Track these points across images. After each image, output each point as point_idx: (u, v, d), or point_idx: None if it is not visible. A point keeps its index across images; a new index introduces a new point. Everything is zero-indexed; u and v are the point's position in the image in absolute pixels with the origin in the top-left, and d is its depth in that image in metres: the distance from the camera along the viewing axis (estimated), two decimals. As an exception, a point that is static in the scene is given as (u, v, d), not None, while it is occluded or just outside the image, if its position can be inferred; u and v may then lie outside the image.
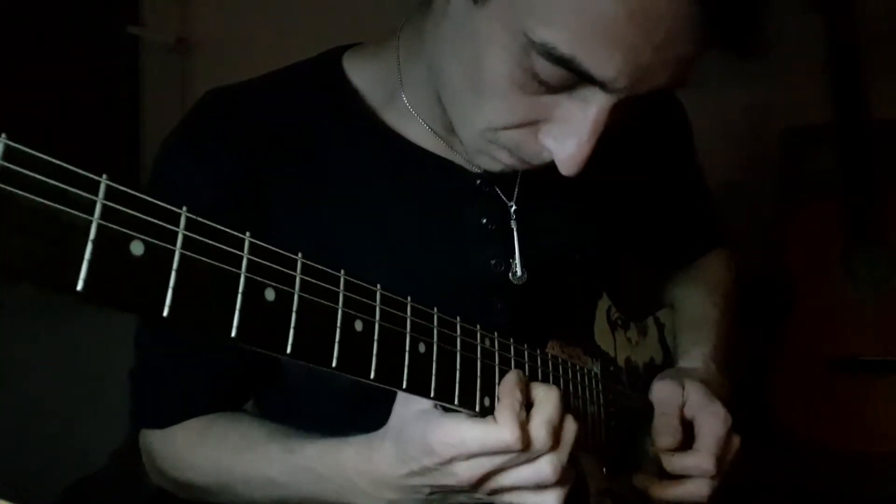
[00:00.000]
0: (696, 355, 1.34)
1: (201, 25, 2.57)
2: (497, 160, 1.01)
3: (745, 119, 2.61)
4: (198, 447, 1.16)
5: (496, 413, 0.89)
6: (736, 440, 1.18)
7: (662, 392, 1.20)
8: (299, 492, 1.07)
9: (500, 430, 0.88)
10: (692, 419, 1.18)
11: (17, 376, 2.15)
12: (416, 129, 1.15)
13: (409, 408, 0.93)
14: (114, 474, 2.18)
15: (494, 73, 0.90)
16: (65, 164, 0.52)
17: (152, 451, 1.20)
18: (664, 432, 1.16)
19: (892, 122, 2.39)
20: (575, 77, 0.85)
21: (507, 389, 0.91)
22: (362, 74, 1.17)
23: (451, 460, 0.90)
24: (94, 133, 2.41)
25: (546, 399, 0.92)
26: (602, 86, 0.85)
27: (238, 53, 2.43)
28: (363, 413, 1.00)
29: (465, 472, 0.90)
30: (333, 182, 1.13)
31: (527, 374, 0.98)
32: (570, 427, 0.93)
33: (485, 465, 0.90)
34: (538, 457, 0.91)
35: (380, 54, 1.17)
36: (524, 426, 0.88)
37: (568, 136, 0.91)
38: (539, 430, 0.89)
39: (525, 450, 0.89)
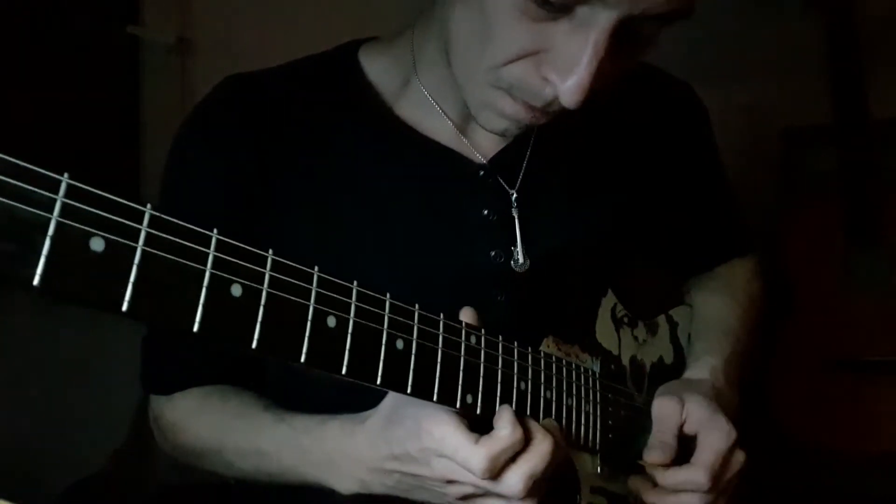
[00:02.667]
0: (704, 366, 1.31)
1: (201, 25, 2.58)
2: (501, 113, 1.00)
3: (745, 119, 2.61)
4: (197, 412, 1.19)
5: (484, 438, 0.91)
6: (740, 455, 1.16)
7: (661, 409, 1.18)
8: (281, 464, 1.08)
9: (472, 454, 0.90)
10: (695, 434, 1.16)
11: (17, 376, 2.16)
12: (429, 116, 1.17)
13: None
14: (114, 474, 2.19)
15: (496, 3, 0.90)
16: (24, 164, 0.54)
17: (158, 417, 1.24)
18: (654, 448, 1.15)
19: (892, 122, 2.38)
20: None
21: (507, 424, 0.92)
22: (377, 66, 1.20)
23: (428, 451, 0.91)
24: (94, 133, 2.41)
25: (538, 448, 0.94)
26: None
27: (238, 53, 2.44)
28: (367, 399, 1.01)
29: (440, 466, 0.92)
30: (340, 172, 1.16)
31: (515, 372, 0.99)
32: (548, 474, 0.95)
33: (454, 471, 0.92)
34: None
35: (394, 45, 1.20)
36: (496, 461, 0.90)
37: (569, 64, 0.90)
38: (517, 478, 0.92)
39: (491, 480, 0.91)
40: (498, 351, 0.97)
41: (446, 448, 0.90)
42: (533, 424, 0.96)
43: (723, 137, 1.48)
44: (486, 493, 0.94)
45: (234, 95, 1.20)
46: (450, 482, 0.94)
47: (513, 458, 0.92)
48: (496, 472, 0.90)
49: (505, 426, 0.91)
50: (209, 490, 1.21)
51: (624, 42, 0.90)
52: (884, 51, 2.38)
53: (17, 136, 2.12)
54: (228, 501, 1.28)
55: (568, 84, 0.90)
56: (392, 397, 0.97)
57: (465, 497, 0.96)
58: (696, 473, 1.13)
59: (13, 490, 0.98)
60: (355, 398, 1.02)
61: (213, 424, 1.17)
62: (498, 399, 0.95)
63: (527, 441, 0.94)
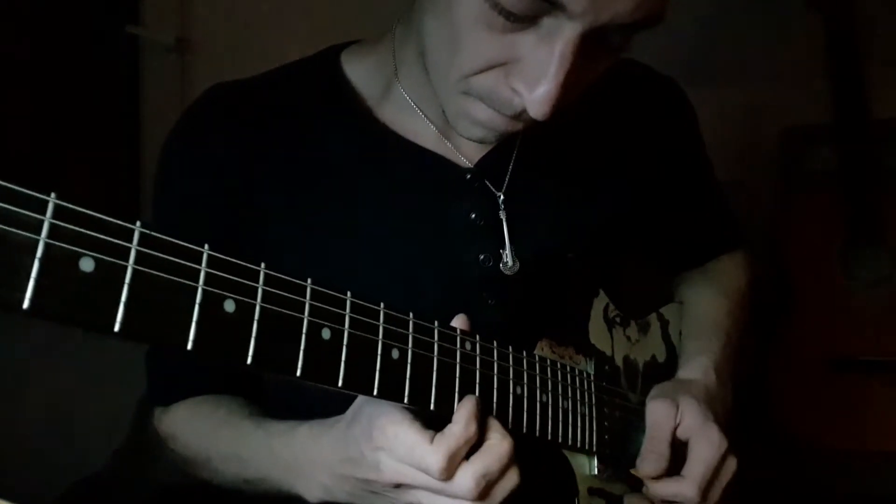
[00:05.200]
0: (697, 365, 1.30)
1: (201, 25, 2.58)
2: (476, 121, 1.00)
3: (745, 119, 2.61)
4: (189, 420, 1.21)
5: (438, 435, 0.89)
6: (731, 463, 1.16)
7: (656, 413, 1.18)
8: (257, 471, 1.09)
9: (428, 453, 0.87)
10: (686, 441, 1.16)
11: (18, 377, 2.16)
12: (412, 121, 1.17)
13: None
14: (114, 474, 2.19)
15: (462, 13, 0.90)
16: (10, 185, 0.53)
17: (159, 426, 1.26)
18: (649, 459, 1.15)
19: (892, 122, 2.38)
20: (536, 3, 0.85)
21: (463, 418, 0.89)
22: (359, 70, 1.20)
23: (380, 449, 0.89)
24: (94, 133, 2.41)
25: (493, 448, 0.91)
26: (562, 9, 0.84)
27: (238, 53, 2.44)
28: None
29: (388, 469, 0.90)
30: (326, 179, 1.16)
31: (511, 377, 0.99)
32: (510, 481, 0.92)
33: (404, 473, 0.90)
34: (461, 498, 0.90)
35: (376, 49, 1.20)
36: (454, 460, 0.87)
37: (536, 75, 0.90)
38: (467, 477, 0.89)
39: (445, 481, 0.88)
40: (493, 357, 0.97)
41: (399, 446, 0.88)
42: (492, 423, 0.93)
43: (723, 137, 1.48)
44: (439, 493, 0.91)
45: (217, 106, 1.20)
46: (398, 486, 0.92)
47: (466, 456, 0.90)
48: (453, 471, 0.88)
49: (459, 420, 0.89)
50: (209, 490, 1.21)
51: (593, 50, 0.90)
52: (884, 51, 2.38)
53: (17, 137, 2.12)
54: (228, 502, 1.28)
55: (535, 95, 0.90)
56: (360, 399, 0.96)
57: None
58: (687, 487, 1.13)
59: (13, 490, 0.99)
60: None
61: (202, 431, 1.18)
62: (495, 405, 0.95)
63: (481, 438, 0.91)
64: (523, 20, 0.88)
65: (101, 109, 2.46)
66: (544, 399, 1.04)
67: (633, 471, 1.16)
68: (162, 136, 1.21)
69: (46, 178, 0.56)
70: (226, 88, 1.21)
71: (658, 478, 1.14)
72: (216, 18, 2.58)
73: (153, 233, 0.61)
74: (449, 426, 0.89)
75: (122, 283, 0.59)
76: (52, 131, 2.28)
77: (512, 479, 0.93)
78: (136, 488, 2.13)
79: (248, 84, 1.22)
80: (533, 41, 0.89)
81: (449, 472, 0.87)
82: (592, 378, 1.17)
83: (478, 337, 0.96)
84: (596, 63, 0.94)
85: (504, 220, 1.18)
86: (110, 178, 2.41)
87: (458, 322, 0.96)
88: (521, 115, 0.96)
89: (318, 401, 1.06)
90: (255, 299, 0.70)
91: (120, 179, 2.44)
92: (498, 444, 0.91)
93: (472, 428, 0.89)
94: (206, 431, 1.17)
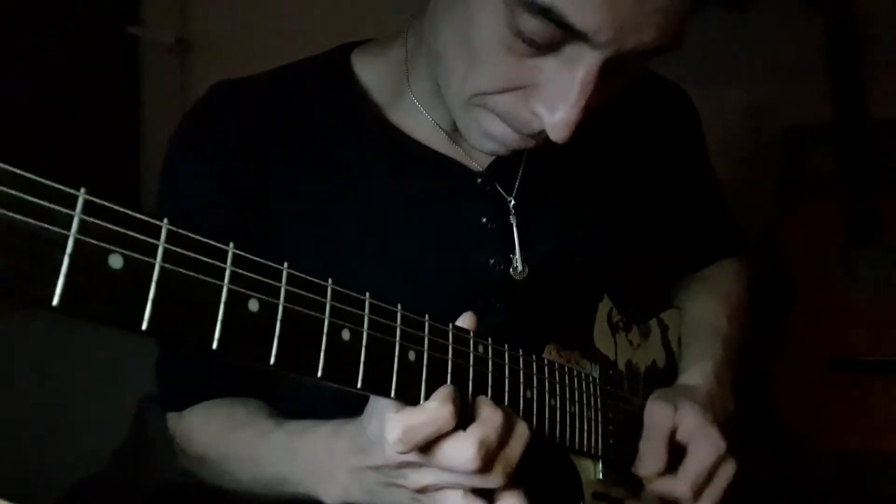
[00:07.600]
0: (698, 371, 1.30)
1: (201, 25, 2.57)
2: (488, 134, 1.00)
3: (745, 119, 2.61)
4: (205, 423, 1.19)
5: (406, 408, 0.83)
6: (730, 467, 1.16)
7: (654, 415, 1.18)
8: (275, 473, 1.07)
9: (389, 419, 0.82)
10: (686, 444, 1.16)
11: (18, 376, 2.15)
12: (422, 125, 1.16)
13: None
14: (114, 474, 2.19)
15: (483, 34, 0.90)
16: (41, 179, 0.52)
17: (173, 433, 1.24)
18: (646, 458, 1.16)
19: (892, 122, 2.38)
20: (559, 32, 0.84)
21: (438, 396, 0.84)
22: (370, 71, 1.19)
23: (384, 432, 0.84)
24: (94, 133, 2.41)
25: (487, 420, 0.86)
26: (585, 39, 0.84)
27: (238, 53, 2.43)
28: None
29: (390, 449, 0.84)
30: (336, 179, 1.15)
31: (521, 380, 0.98)
32: (515, 448, 0.89)
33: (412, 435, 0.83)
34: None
35: (388, 50, 1.19)
36: (411, 432, 0.81)
37: (556, 100, 0.90)
38: (466, 445, 0.84)
39: (400, 453, 0.83)
40: (504, 360, 0.96)
41: (382, 418, 0.84)
42: (481, 399, 0.89)
43: (723, 138, 1.48)
44: (437, 469, 0.86)
45: (224, 104, 1.18)
46: (400, 466, 0.87)
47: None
48: (411, 446, 0.81)
49: (434, 399, 0.83)
50: (209, 490, 1.20)
51: (612, 74, 0.89)
52: (884, 51, 2.38)
53: (17, 137, 2.12)
54: (228, 502, 1.27)
55: (556, 120, 0.90)
56: (371, 399, 0.92)
57: (423, 489, 0.89)
58: (680, 486, 1.14)
59: (13, 490, 0.98)
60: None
61: (218, 433, 1.16)
62: (505, 408, 0.95)
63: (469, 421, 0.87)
64: (546, 48, 0.88)
65: (101, 109, 2.46)
66: (553, 403, 1.04)
67: (633, 469, 1.17)
68: (162, 136, 1.19)
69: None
70: (232, 86, 1.19)
71: (657, 476, 1.15)
72: (216, 18, 2.58)
73: (180, 230, 0.61)
74: (422, 403, 0.84)
75: (150, 280, 0.58)
76: (51, 131, 2.28)
77: (517, 446, 0.89)
78: (136, 488, 2.13)
79: (255, 81, 1.20)
80: (554, 66, 0.89)
81: (405, 446, 0.81)
82: (598, 382, 1.17)
83: (490, 340, 0.95)
84: (614, 84, 0.93)
85: (514, 224, 1.18)
86: (110, 178, 2.40)
87: (466, 321, 0.94)
88: (537, 135, 0.96)
89: (324, 407, 1.06)
90: (278, 299, 0.69)
91: (120, 179, 2.44)
92: (490, 415, 0.87)
93: (447, 410, 0.82)
94: (224, 431, 1.15)
